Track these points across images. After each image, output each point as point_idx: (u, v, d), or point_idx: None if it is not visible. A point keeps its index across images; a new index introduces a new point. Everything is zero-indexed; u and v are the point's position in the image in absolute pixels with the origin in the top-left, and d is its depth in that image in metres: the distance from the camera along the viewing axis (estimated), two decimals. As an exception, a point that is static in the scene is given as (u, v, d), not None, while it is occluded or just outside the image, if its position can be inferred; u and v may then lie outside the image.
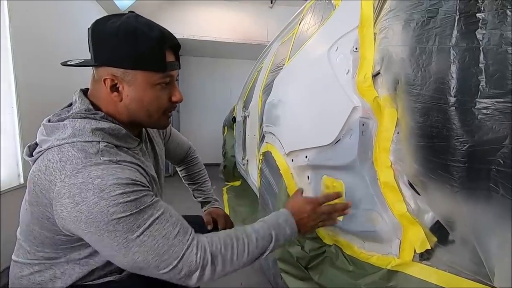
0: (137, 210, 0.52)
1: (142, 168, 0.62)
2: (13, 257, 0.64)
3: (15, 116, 1.56)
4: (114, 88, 0.58)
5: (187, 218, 0.99)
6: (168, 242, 0.54)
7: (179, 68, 0.65)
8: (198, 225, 0.97)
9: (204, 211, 1.02)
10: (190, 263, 0.55)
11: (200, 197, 1.06)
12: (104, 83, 0.58)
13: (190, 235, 0.57)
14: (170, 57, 0.61)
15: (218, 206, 1.03)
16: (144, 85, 0.59)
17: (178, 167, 1.09)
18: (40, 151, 0.56)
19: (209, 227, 0.92)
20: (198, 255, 0.55)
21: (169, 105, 0.65)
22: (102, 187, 0.50)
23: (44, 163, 0.53)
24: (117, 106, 0.60)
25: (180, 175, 1.11)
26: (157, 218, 0.54)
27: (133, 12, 0.61)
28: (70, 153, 0.53)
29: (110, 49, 0.57)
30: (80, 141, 0.54)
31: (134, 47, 0.56)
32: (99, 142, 0.55)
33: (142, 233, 0.52)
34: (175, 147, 0.99)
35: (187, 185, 1.10)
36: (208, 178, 1.11)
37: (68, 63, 0.61)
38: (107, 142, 0.57)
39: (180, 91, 0.65)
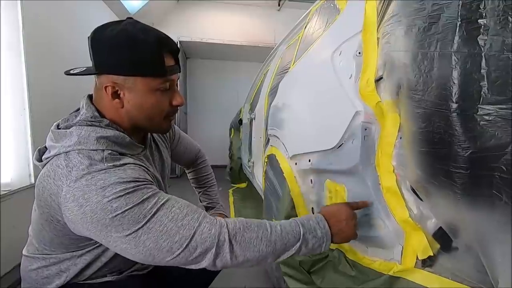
0: (140, 201, 0.52)
1: (146, 168, 0.63)
2: (24, 251, 0.68)
3: (27, 118, 1.60)
4: (115, 95, 0.60)
5: None
6: (177, 223, 0.53)
7: (179, 72, 0.66)
8: None
9: None
10: (204, 240, 0.53)
11: (206, 201, 1.07)
12: (106, 90, 0.59)
13: (200, 213, 0.56)
14: (169, 62, 0.61)
15: (222, 212, 1.04)
16: (144, 91, 0.60)
17: (187, 170, 1.11)
18: (49, 157, 0.58)
19: None
20: (213, 231, 0.54)
21: (170, 109, 0.66)
22: (104, 186, 0.51)
23: (52, 168, 0.55)
24: (119, 112, 0.62)
25: (188, 177, 1.13)
26: (162, 205, 0.54)
27: (131, 18, 0.61)
28: (76, 160, 0.54)
29: (110, 57, 0.57)
30: (85, 149, 0.55)
31: (133, 53, 0.57)
32: (103, 150, 0.57)
33: (149, 220, 0.52)
34: (184, 151, 1.00)
35: (194, 188, 1.11)
36: (215, 183, 1.11)
37: (71, 72, 0.62)
38: (111, 150, 0.58)
39: (181, 95, 0.66)
